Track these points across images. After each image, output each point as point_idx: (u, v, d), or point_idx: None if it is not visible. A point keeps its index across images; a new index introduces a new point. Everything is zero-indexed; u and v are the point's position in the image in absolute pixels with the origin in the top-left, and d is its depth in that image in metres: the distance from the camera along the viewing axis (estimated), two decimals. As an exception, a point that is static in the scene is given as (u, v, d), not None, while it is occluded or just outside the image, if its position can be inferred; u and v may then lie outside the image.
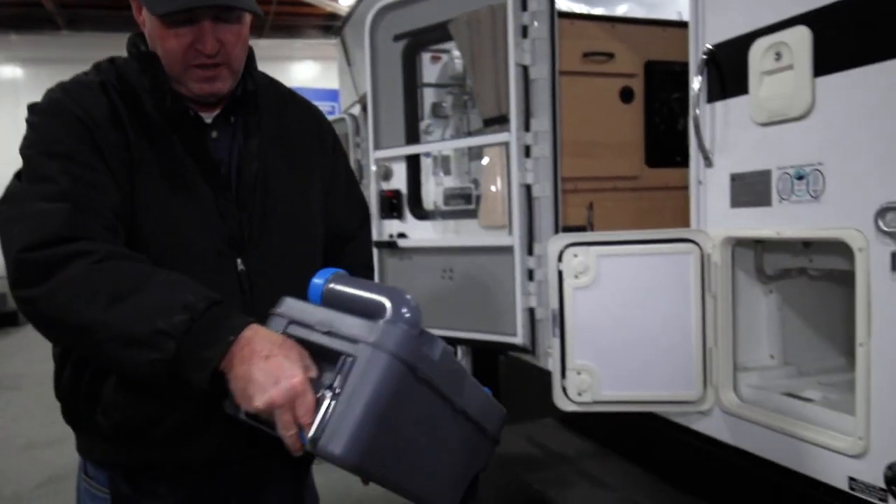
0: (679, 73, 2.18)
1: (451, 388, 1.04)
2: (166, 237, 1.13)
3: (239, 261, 1.19)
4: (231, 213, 1.19)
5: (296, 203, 1.30)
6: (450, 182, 3.05)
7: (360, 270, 1.40)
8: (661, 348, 1.68)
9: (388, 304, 0.96)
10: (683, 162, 1.79)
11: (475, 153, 2.67)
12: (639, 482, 1.85)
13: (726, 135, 1.63)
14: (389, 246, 2.82)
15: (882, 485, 1.31)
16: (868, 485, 1.34)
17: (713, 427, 1.70)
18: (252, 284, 1.19)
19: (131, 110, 1.15)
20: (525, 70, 2.35)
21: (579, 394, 1.76)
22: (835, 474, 1.41)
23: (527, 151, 2.38)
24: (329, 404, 0.89)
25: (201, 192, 1.17)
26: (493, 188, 2.48)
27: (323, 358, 0.98)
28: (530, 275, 2.40)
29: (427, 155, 3.24)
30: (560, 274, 1.74)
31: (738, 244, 1.66)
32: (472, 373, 3.67)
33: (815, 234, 1.42)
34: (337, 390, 0.90)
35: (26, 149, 1.11)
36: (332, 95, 7.26)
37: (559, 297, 1.74)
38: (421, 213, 2.95)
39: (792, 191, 1.47)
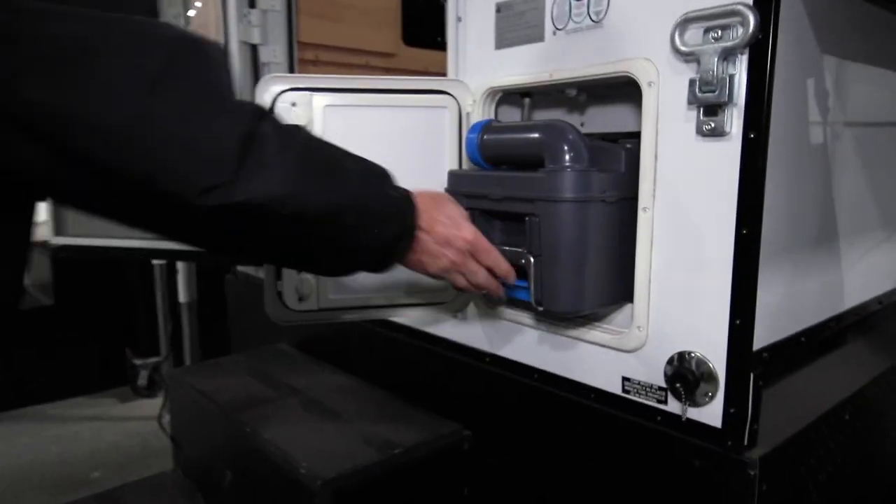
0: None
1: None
2: None
3: None
4: None
5: None
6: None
7: None
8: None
9: (545, 147, 1.00)
10: (445, 44, 1.39)
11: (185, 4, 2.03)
12: (386, 408, 1.46)
13: (493, -47, 1.25)
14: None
15: (662, 383, 1.05)
16: (645, 384, 1.08)
17: (467, 333, 1.37)
18: None
19: None
20: None
21: (300, 300, 1.31)
22: (606, 377, 1.13)
23: (251, 1, 1.82)
24: (535, 268, 1.02)
25: None
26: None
27: (511, 220, 1.08)
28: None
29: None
30: (273, 132, 1.25)
31: (505, 98, 1.30)
32: (196, 303, 3.08)
33: (597, 70, 1.09)
34: (537, 253, 1.02)
35: None
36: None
37: (271, 164, 1.25)
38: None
39: (569, 16, 1.13)
